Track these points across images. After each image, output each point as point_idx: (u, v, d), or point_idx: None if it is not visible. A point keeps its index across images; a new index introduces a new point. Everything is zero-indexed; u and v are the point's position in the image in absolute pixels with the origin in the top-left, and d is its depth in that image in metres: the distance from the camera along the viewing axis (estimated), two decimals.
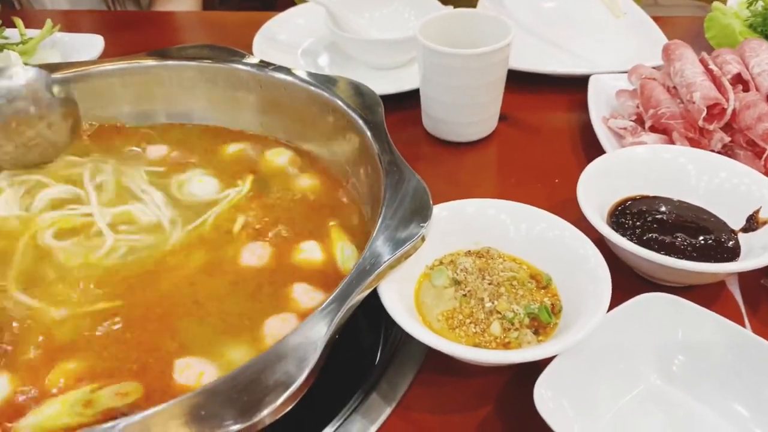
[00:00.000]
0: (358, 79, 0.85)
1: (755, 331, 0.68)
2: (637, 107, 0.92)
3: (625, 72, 1.01)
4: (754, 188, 0.74)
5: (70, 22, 1.42)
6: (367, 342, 0.72)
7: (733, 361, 0.58)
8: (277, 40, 1.18)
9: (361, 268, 0.58)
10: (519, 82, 1.08)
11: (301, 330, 0.53)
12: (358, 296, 0.56)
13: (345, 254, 0.71)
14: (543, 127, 1.02)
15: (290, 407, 0.49)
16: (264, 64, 0.88)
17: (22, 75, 0.75)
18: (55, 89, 0.80)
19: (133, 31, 1.41)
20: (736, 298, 0.72)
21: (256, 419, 0.47)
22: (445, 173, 0.94)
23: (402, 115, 1.03)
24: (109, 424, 0.46)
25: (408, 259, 0.62)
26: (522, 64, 1.07)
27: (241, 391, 0.48)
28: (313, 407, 0.62)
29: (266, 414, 0.47)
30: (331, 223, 0.75)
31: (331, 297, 0.55)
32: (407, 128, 1.02)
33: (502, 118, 1.01)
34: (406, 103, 1.02)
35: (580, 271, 0.64)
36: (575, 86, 1.06)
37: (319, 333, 0.52)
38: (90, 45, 1.16)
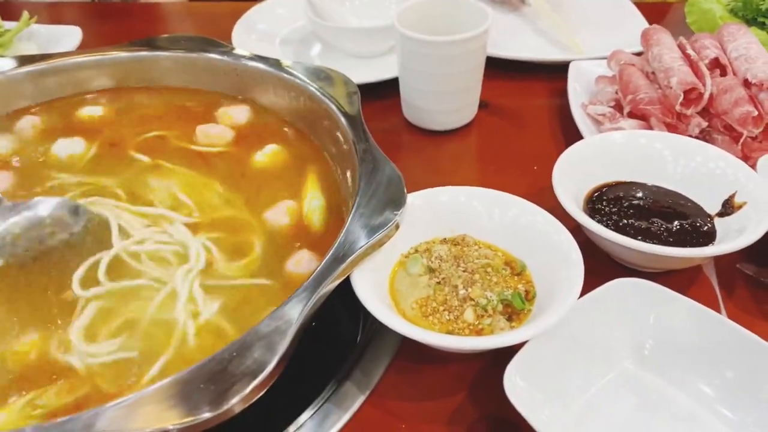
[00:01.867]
0: (339, 68, 0.84)
1: (730, 314, 0.69)
2: (616, 93, 0.92)
3: (605, 58, 1.01)
4: (729, 172, 0.74)
5: (51, 14, 1.41)
6: (347, 331, 0.72)
7: (705, 345, 0.58)
8: (257, 29, 1.17)
9: (334, 256, 0.58)
10: (499, 69, 1.08)
11: (271, 318, 0.53)
12: (330, 285, 0.56)
13: (312, 204, 0.72)
14: (523, 114, 1.01)
15: (260, 395, 0.49)
16: (240, 54, 0.88)
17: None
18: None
19: (113, 22, 1.40)
20: (712, 283, 0.73)
21: (225, 407, 0.47)
22: (425, 162, 0.94)
23: (382, 104, 1.02)
24: (75, 415, 0.46)
25: (383, 247, 0.62)
26: (502, 51, 1.07)
27: (209, 380, 0.48)
28: (288, 396, 0.63)
29: (235, 402, 0.47)
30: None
31: (303, 284, 0.55)
32: (387, 117, 1.02)
33: (482, 105, 1.01)
34: (387, 91, 1.02)
35: (554, 256, 0.64)
36: (556, 73, 1.06)
37: (289, 321, 0.52)
38: (68, 36, 1.15)
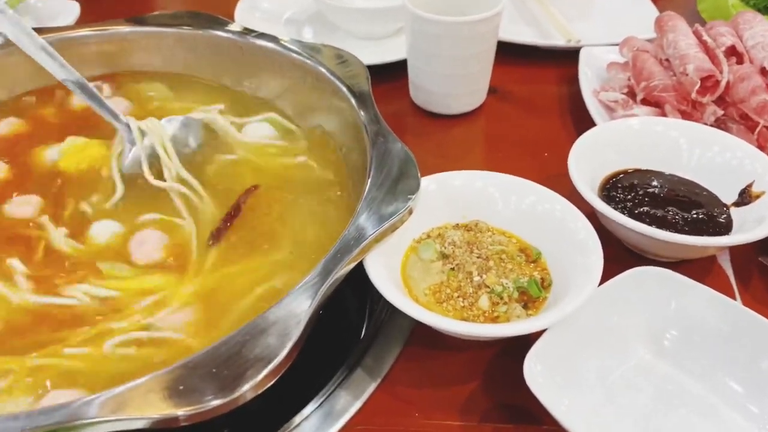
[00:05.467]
0: (346, 49, 0.82)
1: (746, 305, 0.67)
2: (629, 80, 0.90)
3: (617, 44, 0.99)
4: (746, 162, 0.72)
5: None
6: (353, 317, 0.71)
7: (726, 336, 0.57)
8: (260, 8, 1.14)
9: (345, 241, 0.57)
10: (510, 54, 1.06)
11: (284, 303, 0.51)
12: (343, 269, 0.54)
13: None
14: (533, 100, 1.00)
15: (272, 382, 0.47)
16: (246, 31, 0.85)
17: None
18: None
19: None
20: (728, 273, 0.71)
21: (236, 394, 0.45)
22: (433, 146, 0.92)
23: (389, 87, 1.00)
24: (88, 398, 0.44)
25: (395, 232, 0.60)
26: (513, 36, 1.05)
27: (221, 365, 0.46)
28: (297, 382, 0.61)
29: (247, 389, 0.45)
30: None
31: (315, 270, 0.54)
32: (394, 100, 1.00)
33: (492, 91, 0.99)
34: (394, 74, 1.00)
35: (571, 244, 0.63)
36: (566, 59, 1.04)
37: (302, 307, 0.51)
38: (65, 11, 1.12)
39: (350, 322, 0.70)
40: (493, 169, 0.71)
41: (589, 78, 0.95)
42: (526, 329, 0.54)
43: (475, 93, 0.94)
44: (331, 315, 0.67)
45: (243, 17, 1.10)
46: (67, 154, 0.75)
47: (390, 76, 1.00)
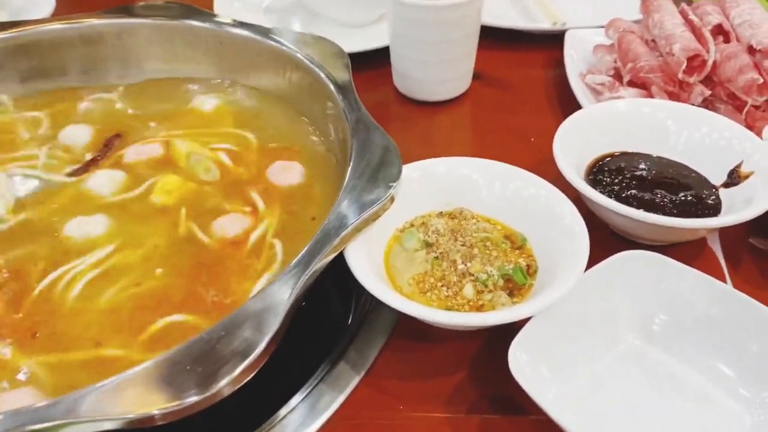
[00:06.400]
0: (328, 37, 0.80)
1: (737, 288, 0.66)
2: (615, 62, 0.89)
3: (603, 27, 0.97)
4: (735, 142, 0.71)
5: None
6: (339, 306, 0.69)
7: (715, 319, 0.56)
8: None
9: (326, 231, 0.55)
10: (494, 39, 1.04)
11: (262, 295, 0.50)
12: (323, 260, 0.53)
13: None
14: (519, 85, 0.98)
15: (250, 376, 0.46)
16: (225, 21, 0.83)
17: None
18: None
19: None
20: (717, 256, 0.70)
21: (213, 390, 0.44)
22: (418, 134, 0.91)
23: (372, 74, 0.99)
24: (59, 398, 0.43)
25: (377, 221, 0.59)
26: (497, 20, 1.03)
27: (196, 361, 0.45)
28: (280, 377, 0.60)
29: (224, 384, 0.44)
30: None
31: (294, 261, 0.52)
32: (378, 88, 0.98)
33: (477, 76, 0.97)
34: (377, 61, 0.98)
35: (557, 229, 0.61)
36: (552, 42, 1.02)
37: (281, 298, 0.49)
38: (40, 4, 1.09)
39: (337, 312, 0.69)
40: (478, 155, 0.69)
41: (575, 61, 0.93)
42: (510, 317, 0.53)
43: (459, 79, 0.93)
44: (317, 304, 0.66)
45: (222, 7, 1.08)
46: None
47: (374, 63, 0.98)
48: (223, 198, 0.69)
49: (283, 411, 0.57)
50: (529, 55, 1.04)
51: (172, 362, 0.45)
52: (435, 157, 0.69)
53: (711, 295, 0.56)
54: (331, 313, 0.69)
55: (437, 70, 0.89)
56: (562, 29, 1.00)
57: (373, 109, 0.94)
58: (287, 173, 0.72)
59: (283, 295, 0.49)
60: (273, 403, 0.57)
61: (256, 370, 0.46)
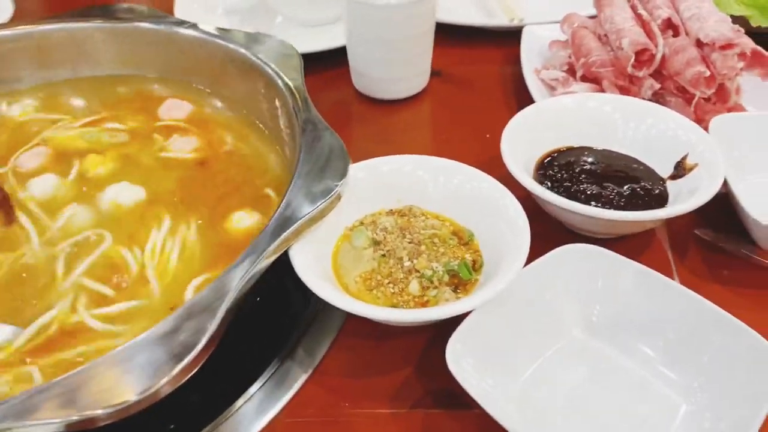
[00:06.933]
0: (287, 37, 0.81)
1: (683, 279, 0.68)
2: (569, 57, 0.89)
3: (559, 22, 0.98)
4: (680, 133, 0.72)
5: None
6: (298, 303, 0.69)
7: (652, 309, 0.57)
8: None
9: (269, 231, 0.55)
10: (453, 36, 1.05)
11: (200, 297, 0.50)
12: (264, 261, 0.53)
13: None
14: (477, 81, 0.99)
15: (187, 377, 0.46)
16: (177, 22, 0.83)
17: None
18: None
19: None
20: (665, 247, 0.71)
21: (150, 391, 0.44)
22: (377, 132, 0.91)
23: (333, 74, 0.99)
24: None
25: (326, 220, 0.60)
26: (454, 18, 1.04)
27: (132, 363, 0.46)
28: (234, 375, 0.60)
29: (161, 385, 0.44)
30: None
31: (234, 263, 0.53)
32: (339, 87, 0.98)
33: (435, 74, 0.98)
34: (338, 60, 0.98)
35: (502, 222, 0.62)
36: (511, 38, 1.03)
37: (220, 299, 0.49)
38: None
39: (295, 307, 0.69)
40: (437, 152, 0.70)
41: (531, 57, 0.94)
42: (451, 312, 0.54)
43: (416, 77, 0.93)
44: (276, 298, 0.67)
45: (182, 9, 1.08)
46: None
47: (335, 62, 0.98)
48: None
49: (228, 412, 0.57)
50: (488, 51, 1.04)
51: (109, 365, 0.46)
52: (394, 154, 0.69)
53: (649, 286, 0.57)
54: (290, 308, 0.69)
55: (393, 68, 0.90)
56: (520, 25, 1.01)
57: (333, 108, 0.95)
58: (177, 110, 0.79)
59: (222, 297, 0.50)
60: (220, 402, 0.58)
61: (195, 371, 0.46)
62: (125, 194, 0.70)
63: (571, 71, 0.88)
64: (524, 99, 0.90)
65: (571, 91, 0.82)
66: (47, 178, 0.72)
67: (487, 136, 0.87)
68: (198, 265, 0.63)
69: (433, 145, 0.90)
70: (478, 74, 1.00)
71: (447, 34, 1.04)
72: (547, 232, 0.70)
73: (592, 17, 0.96)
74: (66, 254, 0.64)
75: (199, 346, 0.47)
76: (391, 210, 0.68)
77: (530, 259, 0.59)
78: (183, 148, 0.76)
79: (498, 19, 1.06)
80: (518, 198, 0.63)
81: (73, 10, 0.87)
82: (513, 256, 0.57)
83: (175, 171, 0.73)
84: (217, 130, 0.78)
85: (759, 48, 0.80)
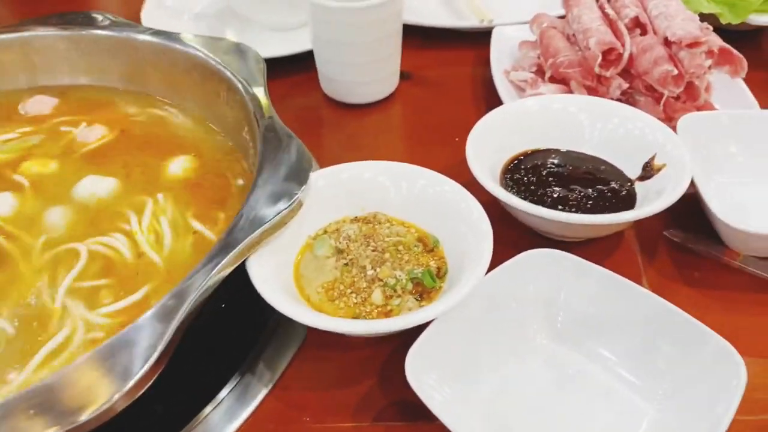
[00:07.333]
0: (255, 42, 0.80)
1: (651, 280, 0.67)
2: (538, 58, 0.88)
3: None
4: (647, 132, 0.71)
5: None
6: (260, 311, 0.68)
7: (615, 314, 0.56)
8: (167, 6, 1.10)
9: (223, 244, 0.54)
10: (424, 38, 1.04)
11: (152, 312, 0.48)
12: (217, 276, 0.52)
13: None
14: (447, 84, 0.97)
15: (129, 402, 0.45)
16: (137, 29, 0.82)
17: None
18: None
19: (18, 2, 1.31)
20: (634, 249, 0.70)
21: (104, 408, 0.43)
22: (346, 137, 0.90)
23: (301, 78, 0.98)
24: None
25: (288, 229, 0.58)
26: (423, 19, 1.03)
27: (80, 382, 0.45)
28: (190, 392, 0.59)
29: (100, 413, 0.43)
30: None
31: (187, 275, 0.51)
32: (307, 92, 0.97)
33: (406, 76, 0.97)
34: (306, 64, 0.96)
35: (465, 227, 0.61)
36: (482, 40, 1.01)
37: (171, 315, 0.48)
38: None
39: (257, 317, 0.67)
40: (406, 156, 0.69)
41: (501, 58, 0.93)
42: (409, 322, 0.53)
43: (384, 80, 0.92)
44: (238, 307, 0.65)
45: (150, 16, 1.06)
46: None
47: (302, 66, 0.97)
48: None
49: (190, 425, 0.56)
50: (459, 53, 1.03)
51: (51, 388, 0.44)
52: (363, 159, 0.68)
53: (614, 291, 0.56)
54: (253, 317, 0.68)
55: (360, 72, 0.88)
56: (490, 26, 1.00)
57: (301, 113, 0.94)
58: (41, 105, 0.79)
59: (172, 315, 0.48)
60: (177, 421, 0.56)
61: (139, 394, 0.45)
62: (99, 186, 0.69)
63: (540, 72, 0.87)
64: (494, 101, 0.89)
65: (540, 93, 0.81)
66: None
67: (457, 139, 0.85)
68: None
69: (403, 149, 0.89)
70: (449, 76, 0.99)
71: (418, 36, 1.03)
72: (515, 236, 0.69)
73: (561, 17, 0.95)
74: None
75: (146, 367, 0.45)
76: (356, 217, 0.67)
77: (498, 263, 0.58)
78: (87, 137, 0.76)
79: (468, 20, 1.05)
80: (485, 202, 0.62)
81: (29, 18, 0.86)
82: (476, 262, 0.56)
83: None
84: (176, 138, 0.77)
85: (727, 45, 0.79)
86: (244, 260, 0.55)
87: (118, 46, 0.80)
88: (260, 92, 0.72)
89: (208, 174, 0.72)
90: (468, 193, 0.62)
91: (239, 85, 0.72)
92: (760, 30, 1.02)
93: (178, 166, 0.72)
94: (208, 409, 0.56)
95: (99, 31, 0.81)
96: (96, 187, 0.69)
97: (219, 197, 0.69)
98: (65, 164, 0.73)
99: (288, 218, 0.58)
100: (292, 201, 0.58)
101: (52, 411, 0.43)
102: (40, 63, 0.82)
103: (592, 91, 0.80)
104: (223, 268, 0.52)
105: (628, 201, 0.68)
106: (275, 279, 0.58)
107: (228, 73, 0.74)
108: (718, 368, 0.50)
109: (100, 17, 0.86)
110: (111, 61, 0.81)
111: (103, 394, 0.44)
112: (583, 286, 0.57)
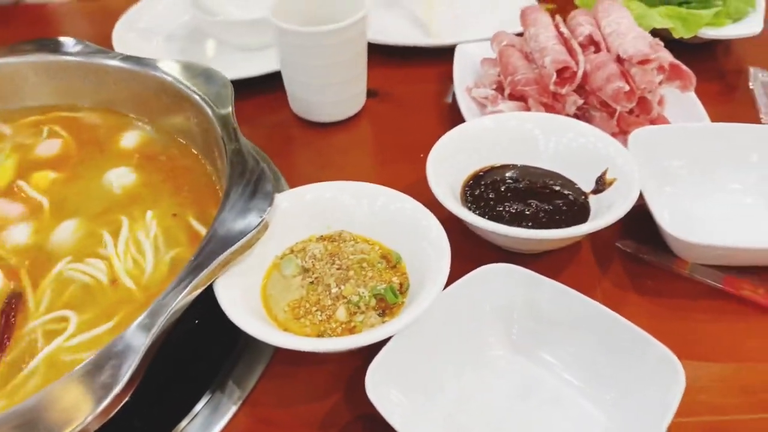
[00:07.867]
0: (225, 62, 0.82)
1: (605, 291, 0.70)
2: (498, 75, 0.92)
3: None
4: (600, 146, 0.74)
5: None
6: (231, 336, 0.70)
7: (570, 326, 0.58)
8: (138, 28, 1.12)
9: (191, 266, 0.56)
10: (391, 55, 1.07)
11: (121, 337, 0.50)
12: (184, 299, 0.54)
13: None
14: (413, 101, 1.00)
15: (104, 422, 0.47)
16: (107, 54, 0.84)
17: None
18: None
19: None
20: (590, 260, 0.73)
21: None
22: (314, 155, 0.92)
23: (271, 97, 1.00)
24: None
25: (255, 250, 0.61)
26: (388, 38, 1.06)
27: (52, 406, 0.46)
28: (163, 410, 0.61)
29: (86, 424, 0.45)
30: None
31: (156, 299, 0.53)
32: (276, 111, 0.99)
33: (373, 94, 1.00)
34: (276, 84, 0.98)
35: (425, 243, 0.63)
36: (448, 57, 1.05)
37: (137, 342, 0.50)
38: None
39: (226, 335, 0.69)
40: (373, 173, 0.71)
41: (464, 75, 0.96)
42: (370, 339, 0.55)
43: (351, 99, 0.94)
44: (211, 324, 0.67)
45: (121, 40, 1.07)
46: None
47: (272, 86, 0.99)
48: None
49: None
50: (425, 70, 1.06)
51: (34, 407, 0.46)
52: (332, 177, 0.71)
53: (566, 303, 0.59)
54: (223, 335, 0.70)
55: (327, 91, 0.91)
56: (454, 44, 1.03)
57: (271, 132, 0.96)
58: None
59: (141, 336, 0.50)
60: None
61: (110, 415, 0.47)
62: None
63: (501, 89, 0.90)
64: (458, 118, 0.92)
65: (499, 110, 0.84)
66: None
67: (422, 155, 0.86)
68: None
69: (371, 165, 0.92)
70: (415, 93, 1.02)
71: (384, 54, 1.06)
72: (476, 251, 0.72)
73: (520, 35, 0.98)
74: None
75: (116, 390, 0.47)
76: (322, 236, 0.69)
77: (459, 276, 0.60)
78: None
79: (432, 38, 1.08)
80: (447, 218, 0.65)
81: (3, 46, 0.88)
82: (434, 278, 0.59)
83: None
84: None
85: (677, 61, 0.83)
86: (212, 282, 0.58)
87: (88, 71, 0.82)
88: (228, 116, 0.74)
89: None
90: (428, 212, 0.65)
91: (207, 109, 0.75)
92: (712, 43, 1.06)
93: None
94: (181, 425, 0.58)
95: (69, 58, 0.82)
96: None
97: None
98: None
99: (255, 239, 0.60)
100: (258, 222, 0.60)
101: None
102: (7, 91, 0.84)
103: (548, 108, 0.83)
104: (191, 291, 0.54)
105: (582, 214, 0.72)
106: (243, 300, 0.60)
107: (196, 98, 0.76)
108: (660, 374, 0.53)
109: (71, 42, 0.88)
110: (82, 86, 0.83)
111: (78, 416, 0.45)
112: (536, 298, 0.60)
